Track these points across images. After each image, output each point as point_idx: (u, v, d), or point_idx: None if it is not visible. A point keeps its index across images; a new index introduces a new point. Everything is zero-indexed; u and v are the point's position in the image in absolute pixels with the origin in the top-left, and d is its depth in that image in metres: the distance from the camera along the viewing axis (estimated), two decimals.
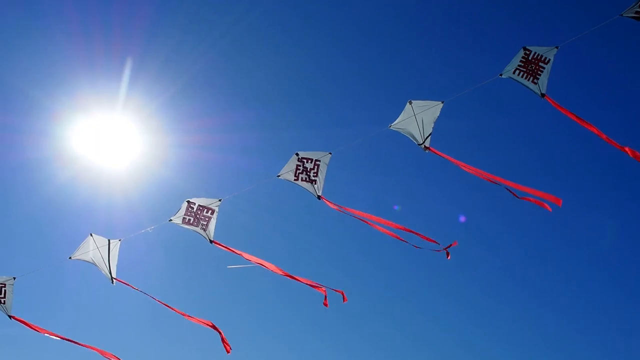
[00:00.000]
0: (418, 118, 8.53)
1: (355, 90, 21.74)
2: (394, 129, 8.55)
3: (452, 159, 8.92)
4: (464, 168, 8.91)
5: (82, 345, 8.87)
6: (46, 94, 17.88)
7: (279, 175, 8.61)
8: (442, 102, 8.51)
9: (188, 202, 8.62)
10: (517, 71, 8.37)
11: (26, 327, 8.51)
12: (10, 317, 8.53)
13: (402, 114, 8.52)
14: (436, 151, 8.83)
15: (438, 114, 8.62)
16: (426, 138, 8.70)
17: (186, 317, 8.84)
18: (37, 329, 8.60)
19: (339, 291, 9.17)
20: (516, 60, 8.34)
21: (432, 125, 8.68)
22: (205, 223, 8.64)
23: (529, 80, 8.44)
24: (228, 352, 8.71)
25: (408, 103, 8.49)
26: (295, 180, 8.62)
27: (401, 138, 8.79)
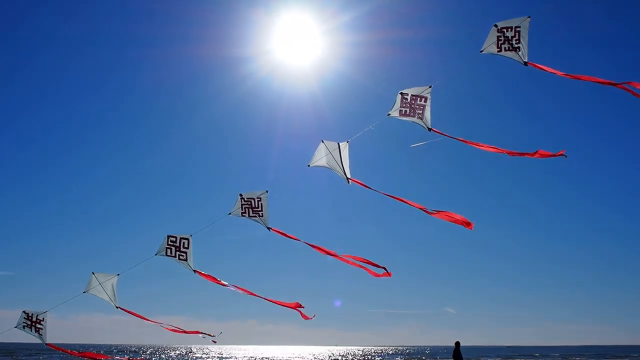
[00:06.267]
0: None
1: None
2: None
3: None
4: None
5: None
6: None
7: (482, 51, 8.77)
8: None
9: (401, 94, 8.95)
10: None
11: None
12: (269, 228, 9.66)
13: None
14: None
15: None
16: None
17: (428, 213, 9.36)
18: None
19: None
20: None
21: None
22: (420, 112, 9.00)
23: None
24: None
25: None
26: (498, 51, 8.74)
27: None
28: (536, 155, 8.97)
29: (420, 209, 9.61)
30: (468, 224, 9.31)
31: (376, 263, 9.97)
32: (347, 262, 9.93)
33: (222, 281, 10.24)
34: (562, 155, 8.70)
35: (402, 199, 9.70)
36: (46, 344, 10.14)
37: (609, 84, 8.61)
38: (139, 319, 10.51)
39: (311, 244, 9.95)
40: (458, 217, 9.36)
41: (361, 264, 9.91)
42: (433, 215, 9.48)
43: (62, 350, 11.77)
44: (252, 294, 10.11)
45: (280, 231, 9.89)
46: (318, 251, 9.96)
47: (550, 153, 8.80)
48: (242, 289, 10.19)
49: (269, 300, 10.13)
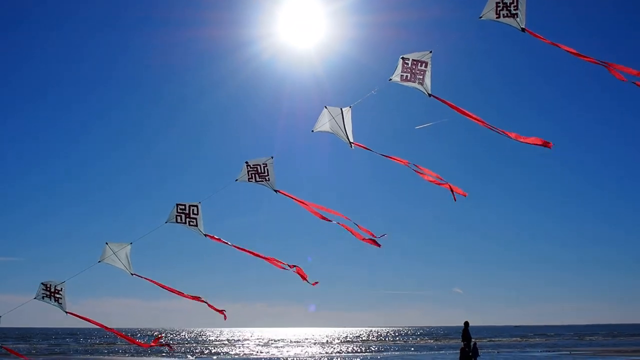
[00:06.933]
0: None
1: None
2: None
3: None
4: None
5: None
6: None
7: (481, 17, 8.90)
8: None
9: (402, 58, 9.02)
10: None
11: (290, 198, 9.97)
12: (276, 191, 9.90)
13: None
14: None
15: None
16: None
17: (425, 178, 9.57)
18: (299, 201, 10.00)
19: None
20: None
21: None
22: (421, 77, 9.12)
23: None
24: None
25: None
26: (497, 17, 8.84)
27: None
28: (517, 138, 9.10)
29: (420, 171, 9.82)
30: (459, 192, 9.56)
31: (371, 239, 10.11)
32: (347, 228, 10.09)
33: (234, 244, 10.43)
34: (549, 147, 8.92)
35: (404, 160, 9.91)
36: (67, 312, 10.48)
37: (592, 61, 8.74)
38: (151, 287, 10.84)
39: (315, 210, 10.19)
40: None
41: (356, 230, 10.08)
42: (442, 185, 9.67)
43: (84, 319, 12.07)
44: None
45: (287, 193, 10.13)
46: (321, 217, 10.18)
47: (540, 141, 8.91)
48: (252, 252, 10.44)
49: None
